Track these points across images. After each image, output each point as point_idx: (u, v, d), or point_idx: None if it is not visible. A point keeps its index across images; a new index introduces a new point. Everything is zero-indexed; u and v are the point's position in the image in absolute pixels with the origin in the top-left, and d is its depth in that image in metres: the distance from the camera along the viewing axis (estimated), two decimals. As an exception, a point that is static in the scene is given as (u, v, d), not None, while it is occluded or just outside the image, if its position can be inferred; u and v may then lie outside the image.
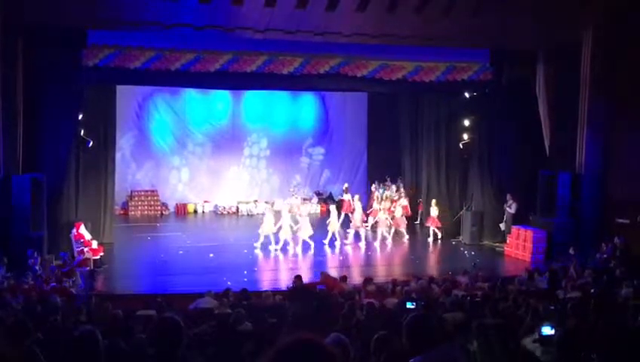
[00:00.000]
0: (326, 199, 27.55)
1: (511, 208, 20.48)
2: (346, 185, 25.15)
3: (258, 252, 19.42)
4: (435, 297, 12.17)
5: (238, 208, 26.95)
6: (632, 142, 18.36)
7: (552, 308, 9.99)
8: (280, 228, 19.49)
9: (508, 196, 20.54)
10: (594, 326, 7.95)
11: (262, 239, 19.69)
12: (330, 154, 28.83)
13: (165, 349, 4.25)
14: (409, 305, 9.77)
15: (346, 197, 23.67)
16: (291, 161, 28.43)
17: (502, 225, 20.87)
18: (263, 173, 28.16)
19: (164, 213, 26.60)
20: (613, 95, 18.35)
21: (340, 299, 11.54)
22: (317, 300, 11.41)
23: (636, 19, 17.27)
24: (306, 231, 19.47)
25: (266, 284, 16.24)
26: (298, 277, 14.06)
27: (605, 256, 16.54)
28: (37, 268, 14.89)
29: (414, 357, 4.06)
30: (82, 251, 16.85)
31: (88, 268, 16.31)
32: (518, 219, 20.38)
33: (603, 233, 17.79)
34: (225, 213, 26.54)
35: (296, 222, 19.63)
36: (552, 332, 6.14)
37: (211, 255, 19.10)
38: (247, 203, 26.92)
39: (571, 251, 17.21)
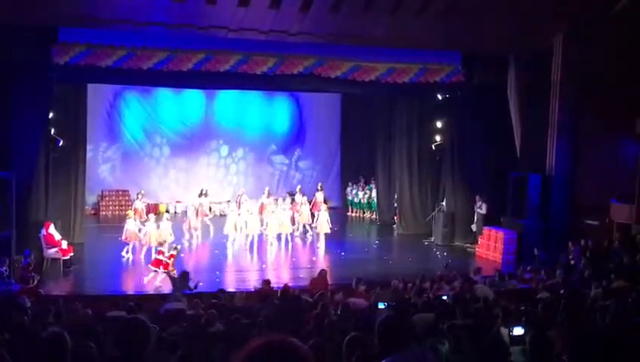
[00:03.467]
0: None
1: (481, 209, 20.66)
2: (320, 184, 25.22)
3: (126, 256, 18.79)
4: (407, 298, 12.20)
5: (210, 208, 26.82)
6: (600, 145, 18.66)
7: (523, 308, 10.09)
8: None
9: (477, 197, 20.71)
10: (564, 327, 8.03)
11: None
12: (303, 155, 28.87)
13: (131, 350, 4.20)
14: (380, 306, 9.80)
15: (319, 196, 23.77)
16: (264, 161, 28.42)
17: (473, 226, 21.04)
18: (236, 174, 28.08)
19: (135, 213, 26.36)
20: (583, 99, 18.59)
21: (311, 300, 11.52)
22: (288, 301, 11.42)
23: (605, 26, 17.52)
24: (153, 238, 18.56)
25: (236, 285, 16.19)
26: (267, 282, 14.07)
27: (572, 256, 16.73)
28: (3, 269, 14.60)
29: (385, 358, 4.06)
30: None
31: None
32: (489, 220, 20.55)
33: (572, 234, 18.00)
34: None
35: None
36: (523, 332, 6.19)
37: (182, 255, 19.01)
38: (219, 203, 26.75)
39: (536, 252, 17.42)
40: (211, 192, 24.28)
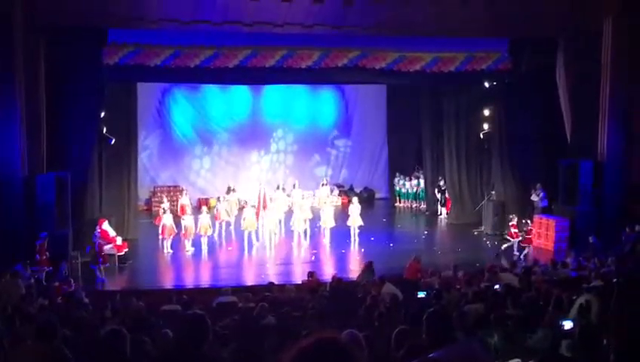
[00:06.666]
0: (347, 192, 27.56)
1: (538, 197, 20.18)
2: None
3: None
4: (457, 288, 12.17)
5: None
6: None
7: (575, 298, 9.96)
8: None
9: (538, 185, 20.18)
10: (616, 315, 7.94)
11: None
12: (350, 147, 28.87)
13: (191, 345, 4.31)
14: (420, 295, 9.82)
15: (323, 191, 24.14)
16: (312, 155, 28.51)
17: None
18: (284, 167, 28.23)
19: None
20: (635, 82, 18.16)
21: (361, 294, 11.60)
22: (338, 294, 11.51)
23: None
24: (203, 228, 19.34)
25: (285, 278, 16.35)
26: (311, 274, 14.24)
27: (628, 244, 16.40)
28: (64, 270, 14.98)
29: (435, 352, 4.10)
30: None
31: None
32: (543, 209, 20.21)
33: (625, 221, 17.64)
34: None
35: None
36: (572, 326, 6.14)
37: (230, 248, 19.38)
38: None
39: (591, 240, 17.11)
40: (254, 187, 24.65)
